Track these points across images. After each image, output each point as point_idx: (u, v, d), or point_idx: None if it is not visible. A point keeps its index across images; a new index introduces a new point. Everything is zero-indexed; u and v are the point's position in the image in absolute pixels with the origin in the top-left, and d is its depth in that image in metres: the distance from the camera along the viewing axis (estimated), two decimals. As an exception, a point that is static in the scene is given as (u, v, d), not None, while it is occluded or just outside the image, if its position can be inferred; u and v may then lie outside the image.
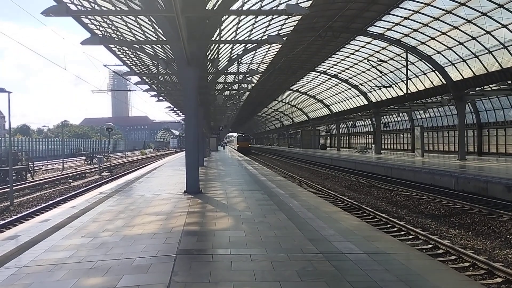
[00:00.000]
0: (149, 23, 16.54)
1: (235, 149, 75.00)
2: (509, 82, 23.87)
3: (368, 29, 31.10)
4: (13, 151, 26.88)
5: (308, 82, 52.81)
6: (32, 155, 47.82)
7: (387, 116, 45.74)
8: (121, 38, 18.88)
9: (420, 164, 25.06)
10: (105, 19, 16.13)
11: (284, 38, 29.03)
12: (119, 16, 16.14)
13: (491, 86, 25.98)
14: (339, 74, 44.88)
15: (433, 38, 28.22)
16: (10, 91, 19.14)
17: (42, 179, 27.26)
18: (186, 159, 12.66)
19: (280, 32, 30.00)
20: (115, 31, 18.18)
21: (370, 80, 41.48)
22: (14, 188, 19.22)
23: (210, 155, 42.82)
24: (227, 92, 34.92)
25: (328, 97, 55.74)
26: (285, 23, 28.58)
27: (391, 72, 36.58)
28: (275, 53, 36.95)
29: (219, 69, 24.97)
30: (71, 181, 27.48)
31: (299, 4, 23.01)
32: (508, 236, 10.66)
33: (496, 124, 30.36)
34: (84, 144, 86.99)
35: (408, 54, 30.83)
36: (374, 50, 34.73)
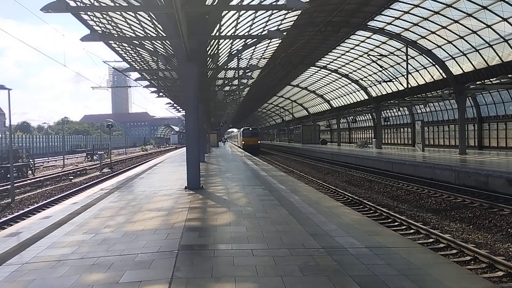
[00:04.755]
0: (149, 19, 16.49)
1: (239, 147, 61.25)
2: (510, 75, 23.80)
3: (368, 23, 31.00)
4: (13, 148, 26.89)
5: (308, 77, 52.74)
6: (32, 152, 47.84)
7: (388, 111, 45.75)
8: (121, 34, 18.82)
9: (421, 158, 25.06)
10: (105, 15, 16.08)
11: (284, 33, 28.96)
12: (119, 12, 16.10)
13: (491, 80, 25.95)
14: (339, 69, 44.81)
15: (433, 32, 28.14)
16: (10, 88, 19.13)
17: (43, 176, 27.28)
18: (187, 155, 12.66)
19: (280, 27, 29.91)
20: (115, 27, 18.14)
21: (370, 75, 41.42)
22: (15, 185, 19.23)
23: (210, 151, 42.84)
24: (227, 88, 34.89)
25: (328, 92, 55.68)
26: (285, 18, 28.48)
27: (391, 66, 36.52)
28: (275, 48, 36.87)
29: (219, 64, 24.92)
30: (72, 177, 27.50)
31: (299, -1, 22.90)
32: (509, 229, 10.67)
33: (497, 118, 30.33)
34: (85, 140, 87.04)
35: (408, 48, 30.77)
36: (374, 45, 34.65)
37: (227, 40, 25.86)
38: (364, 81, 43.68)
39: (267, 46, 35.69)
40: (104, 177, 26.42)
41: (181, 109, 44.39)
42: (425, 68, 33.43)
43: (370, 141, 48.23)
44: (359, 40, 34.80)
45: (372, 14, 29.08)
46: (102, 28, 17.42)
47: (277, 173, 18.92)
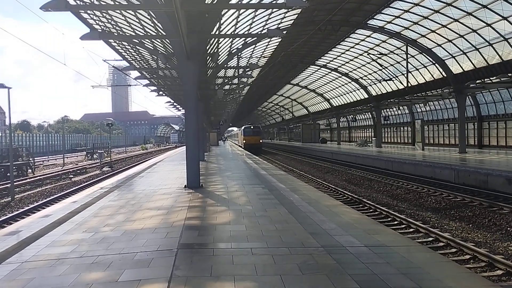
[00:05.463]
0: (149, 17, 16.47)
1: (240, 146, 58.91)
2: (510, 74, 23.80)
3: (368, 22, 30.97)
4: (13, 147, 26.89)
5: (308, 76, 52.72)
6: (32, 150, 47.81)
7: (388, 110, 45.71)
8: (121, 32, 18.80)
9: (421, 157, 25.06)
10: (104, 14, 16.05)
11: (284, 32, 28.87)
12: (118, 11, 16.08)
13: (491, 78, 25.93)
14: (339, 68, 44.77)
15: (433, 31, 28.11)
16: (10, 87, 19.13)
17: (43, 175, 27.28)
18: (187, 154, 12.66)
19: (279, 25, 29.87)
20: (115, 26, 18.11)
21: (370, 74, 41.39)
22: (15, 183, 19.24)
23: (210, 149, 42.83)
24: (227, 87, 34.86)
25: (328, 91, 55.65)
26: (284, 17, 28.46)
27: (391, 65, 36.49)
28: (275, 47, 36.83)
29: (219, 63, 24.91)
30: (72, 176, 27.51)
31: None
32: (508, 228, 10.67)
33: (497, 117, 30.32)
34: (85, 139, 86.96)
35: (408, 47, 30.74)
36: (374, 44, 34.62)
37: (227, 39, 25.84)
38: (364, 80, 43.67)
39: (267, 45, 35.66)
40: (104, 176, 26.43)
41: (181, 108, 44.34)
42: (425, 67, 33.40)
43: (370, 140, 48.22)
44: (359, 39, 34.77)
45: (372, 12, 29.05)
46: (102, 27, 17.39)
47: (276, 172, 18.93)
